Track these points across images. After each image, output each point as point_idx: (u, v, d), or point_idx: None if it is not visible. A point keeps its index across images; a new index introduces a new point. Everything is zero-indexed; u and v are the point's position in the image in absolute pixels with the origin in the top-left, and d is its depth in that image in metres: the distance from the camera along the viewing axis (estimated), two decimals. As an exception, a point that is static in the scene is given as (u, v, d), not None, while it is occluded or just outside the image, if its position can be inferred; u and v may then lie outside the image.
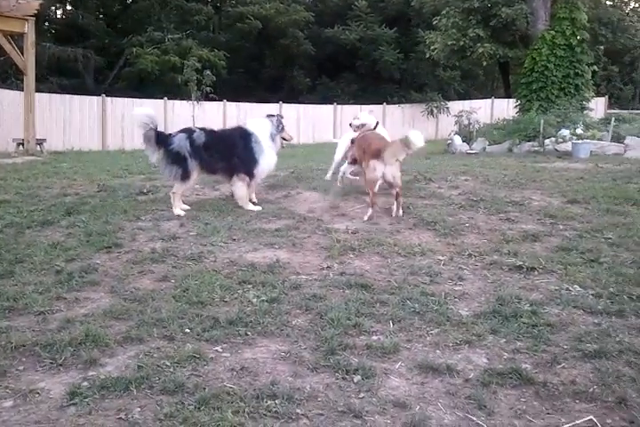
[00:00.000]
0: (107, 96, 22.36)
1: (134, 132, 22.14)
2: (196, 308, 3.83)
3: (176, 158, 6.31)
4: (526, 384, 2.95)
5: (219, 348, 3.32)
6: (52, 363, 3.13)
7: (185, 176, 6.37)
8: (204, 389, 2.86)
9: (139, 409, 2.71)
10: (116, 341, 3.37)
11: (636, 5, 39.20)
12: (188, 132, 6.50)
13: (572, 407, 2.76)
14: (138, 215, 6.18)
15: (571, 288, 4.21)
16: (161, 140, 6.32)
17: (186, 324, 3.59)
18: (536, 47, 16.80)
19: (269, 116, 6.94)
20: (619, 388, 2.88)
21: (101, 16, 32.61)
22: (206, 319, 3.65)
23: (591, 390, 2.87)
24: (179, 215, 6.17)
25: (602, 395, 2.83)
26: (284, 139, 7.03)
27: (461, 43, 22.88)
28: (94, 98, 22.12)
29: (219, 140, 6.60)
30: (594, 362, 3.14)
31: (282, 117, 7.02)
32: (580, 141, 12.22)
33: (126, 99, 22.60)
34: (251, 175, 6.58)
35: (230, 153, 6.52)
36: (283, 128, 6.89)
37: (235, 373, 3.04)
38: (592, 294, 4.10)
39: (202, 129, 6.62)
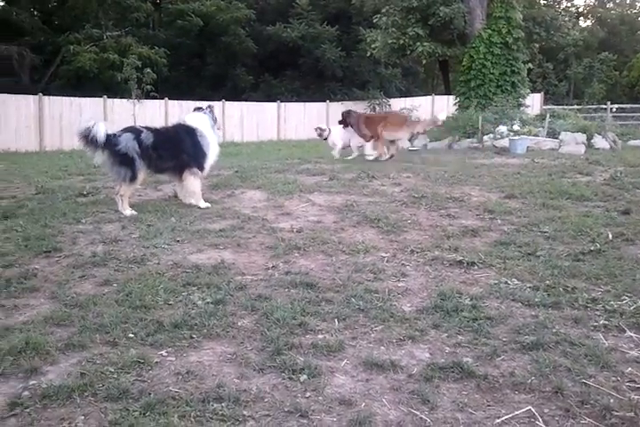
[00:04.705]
0: (44, 95, 21.74)
1: (73, 133, 21.64)
2: (139, 312, 3.78)
3: (124, 160, 6.21)
4: (468, 377, 3.03)
5: (163, 352, 3.29)
6: (-10, 373, 3.05)
7: (133, 178, 6.30)
8: (150, 394, 2.83)
9: (82, 417, 2.66)
10: (58, 348, 3.30)
11: (568, 4, 40.51)
12: (135, 131, 6.40)
13: (511, 399, 2.85)
14: (78, 218, 6.04)
15: (509, 282, 4.34)
16: (106, 140, 6.15)
17: (129, 328, 3.55)
18: (473, 45, 17.13)
19: (198, 109, 7.03)
20: (555, 378, 2.98)
21: (36, 13, 31.64)
22: (150, 323, 3.61)
23: (529, 381, 2.97)
24: (131, 215, 6.11)
25: (539, 385, 2.94)
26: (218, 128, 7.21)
27: (401, 41, 23.20)
28: (30, 97, 21.44)
29: (166, 138, 6.58)
30: (532, 354, 3.25)
31: (212, 107, 7.13)
32: (516, 137, 12.54)
33: (64, 98, 22.03)
34: (202, 169, 6.67)
35: (179, 150, 6.54)
36: (216, 119, 7.04)
37: (180, 377, 3.02)
38: (529, 287, 4.24)
39: (147, 128, 6.56)
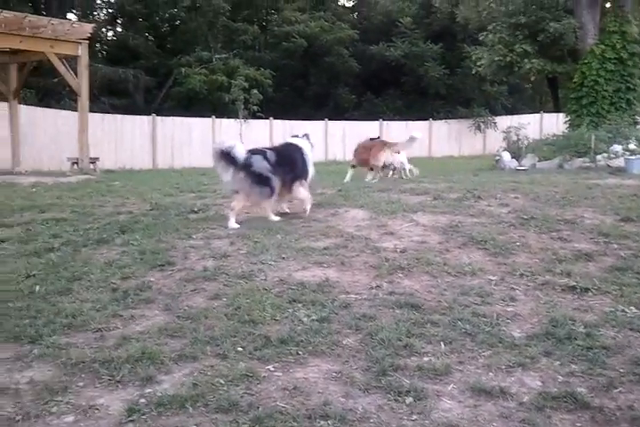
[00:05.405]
0: (157, 115, 22.90)
1: (183, 151, 22.71)
2: (247, 326, 3.88)
3: (261, 179, 6.73)
4: (582, 409, 2.90)
5: (271, 367, 3.36)
6: (110, 380, 3.22)
7: (272, 193, 6.83)
8: (258, 408, 2.90)
9: (195, 427, 2.76)
10: (172, 358, 3.45)
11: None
12: (261, 153, 6.96)
13: (630, 434, 2.70)
14: (189, 234, 6.29)
15: (626, 310, 4.12)
16: (243, 162, 6.63)
17: (238, 342, 3.65)
18: (585, 62, 16.57)
19: (295, 136, 7.76)
20: (679, 414, 2.80)
21: (151, 37, 33.51)
22: (258, 338, 3.70)
23: (650, 416, 2.81)
24: (276, 221, 6.76)
25: (662, 421, 2.77)
26: None
27: (508, 58, 22.68)
28: (144, 117, 22.67)
29: (284, 156, 7.17)
30: (652, 387, 3.07)
31: (308, 135, 7.83)
32: (633, 157, 11.96)
33: (176, 118, 23.12)
34: (306, 181, 7.34)
35: (295, 166, 7.19)
36: (312, 144, 7.72)
37: (287, 392, 3.07)
38: (649, 316, 4.01)
39: (267, 148, 7.27)
